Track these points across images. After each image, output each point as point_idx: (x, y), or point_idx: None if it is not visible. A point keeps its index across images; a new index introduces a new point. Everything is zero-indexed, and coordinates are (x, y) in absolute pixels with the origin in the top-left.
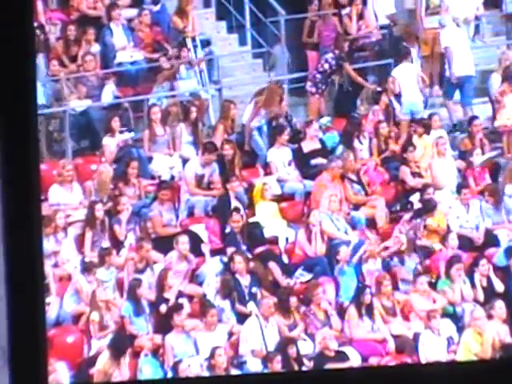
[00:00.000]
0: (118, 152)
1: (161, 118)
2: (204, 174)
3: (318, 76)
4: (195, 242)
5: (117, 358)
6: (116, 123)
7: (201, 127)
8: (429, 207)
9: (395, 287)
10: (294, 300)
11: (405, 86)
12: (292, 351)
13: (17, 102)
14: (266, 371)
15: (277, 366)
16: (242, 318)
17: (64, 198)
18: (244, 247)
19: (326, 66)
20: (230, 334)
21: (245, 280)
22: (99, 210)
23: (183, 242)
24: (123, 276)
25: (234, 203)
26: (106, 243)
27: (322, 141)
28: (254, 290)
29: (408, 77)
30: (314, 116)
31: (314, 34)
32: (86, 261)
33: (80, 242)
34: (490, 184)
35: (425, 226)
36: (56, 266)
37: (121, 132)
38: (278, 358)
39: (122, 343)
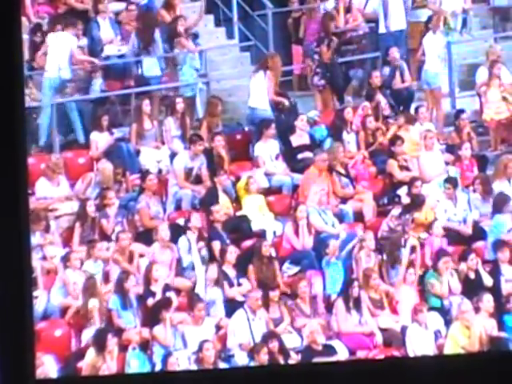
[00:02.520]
0: (108, 147)
1: (150, 111)
2: (193, 167)
3: (319, 70)
4: (179, 233)
5: (100, 352)
6: (105, 122)
7: (188, 120)
8: (417, 202)
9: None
10: (277, 293)
11: (429, 56)
12: (278, 344)
13: (3, 96)
14: (253, 364)
15: (263, 357)
16: (230, 310)
17: (51, 192)
18: (228, 241)
19: (316, 56)
20: (218, 328)
21: (231, 271)
22: (91, 206)
23: (162, 229)
24: (110, 269)
25: (222, 197)
26: (93, 236)
27: (310, 135)
28: (241, 281)
29: (434, 47)
30: (331, 107)
31: (300, 30)
32: (71, 255)
33: (67, 235)
34: (480, 174)
35: (412, 220)
36: (44, 259)
37: (111, 132)
38: (265, 349)
39: (103, 336)
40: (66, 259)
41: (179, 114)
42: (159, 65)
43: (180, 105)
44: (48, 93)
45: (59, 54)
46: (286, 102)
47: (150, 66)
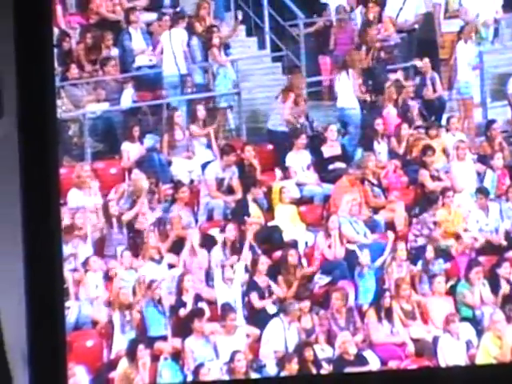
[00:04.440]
0: (140, 158)
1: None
2: (224, 178)
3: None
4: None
5: (132, 362)
6: (136, 132)
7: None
8: (432, 199)
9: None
10: (307, 304)
11: (461, 65)
12: (309, 354)
13: (36, 108)
14: (284, 374)
15: (294, 367)
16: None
17: (83, 202)
18: (259, 251)
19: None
20: (248, 336)
21: (263, 281)
22: (113, 207)
23: (193, 234)
24: (143, 279)
25: (252, 207)
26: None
27: (342, 145)
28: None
29: (466, 56)
30: None
31: (330, 40)
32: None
33: (99, 245)
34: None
35: (435, 223)
36: (75, 270)
37: (142, 143)
38: (296, 359)
39: (135, 346)
40: (85, 263)
41: (201, 122)
42: (202, 74)
43: (201, 112)
44: (171, 90)
45: (175, 50)
46: (368, 98)
47: (196, 74)
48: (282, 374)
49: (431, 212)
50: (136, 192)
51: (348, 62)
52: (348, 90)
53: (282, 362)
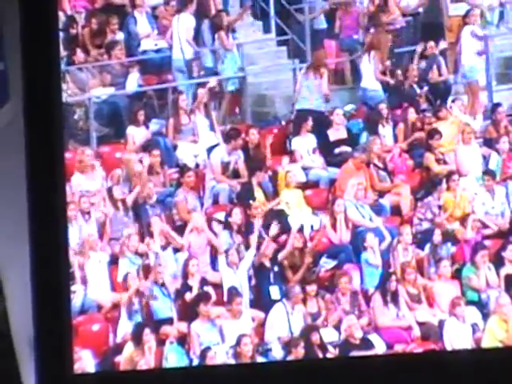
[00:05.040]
0: (145, 142)
1: (186, 106)
2: (230, 162)
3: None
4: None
5: (138, 346)
6: (142, 117)
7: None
8: (436, 182)
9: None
10: (313, 288)
11: (466, 48)
12: (316, 338)
13: (41, 92)
14: (291, 358)
15: (300, 351)
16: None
17: (86, 186)
18: (265, 235)
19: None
20: (254, 320)
21: (267, 263)
22: (117, 191)
23: (196, 216)
24: (149, 262)
25: (258, 191)
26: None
27: (348, 129)
28: (276, 268)
29: (470, 40)
30: None
31: (335, 24)
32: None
33: (103, 230)
34: None
35: (440, 206)
36: (81, 254)
37: (147, 127)
38: (302, 344)
39: (140, 330)
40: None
41: (203, 105)
42: (211, 57)
43: (202, 95)
44: (179, 75)
45: (180, 36)
46: (391, 81)
47: (206, 58)
48: (289, 358)
49: (436, 195)
50: (131, 174)
51: (374, 43)
52: (369, 71)
53: (288, 346)
